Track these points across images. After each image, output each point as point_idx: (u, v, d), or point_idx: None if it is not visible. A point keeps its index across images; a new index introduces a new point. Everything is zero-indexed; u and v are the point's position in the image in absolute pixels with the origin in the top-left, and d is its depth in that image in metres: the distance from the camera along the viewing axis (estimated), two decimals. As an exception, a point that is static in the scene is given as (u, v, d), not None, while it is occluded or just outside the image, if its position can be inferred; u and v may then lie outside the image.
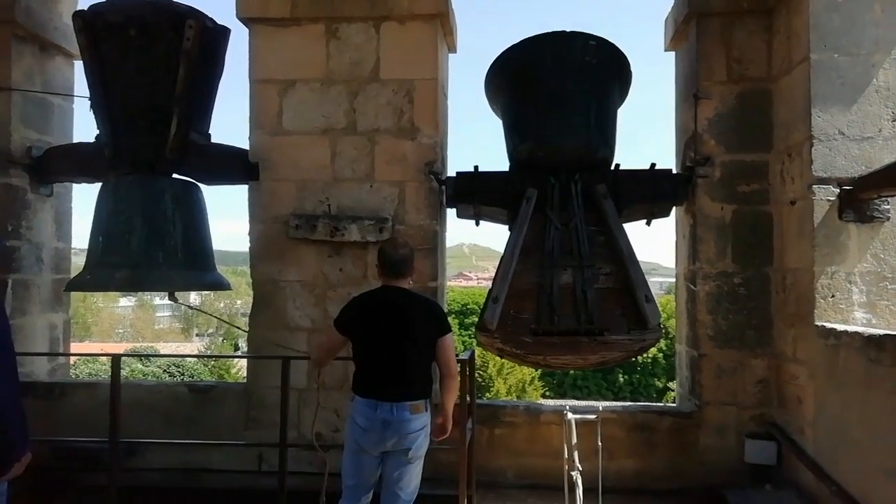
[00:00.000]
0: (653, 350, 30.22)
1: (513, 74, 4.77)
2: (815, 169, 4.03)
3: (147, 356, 20.74)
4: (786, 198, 4.40)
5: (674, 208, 4.97)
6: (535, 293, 4.33)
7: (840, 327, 3.76)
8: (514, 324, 4.26)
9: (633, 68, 4.82)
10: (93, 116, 4.67)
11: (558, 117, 4.54)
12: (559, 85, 4.55)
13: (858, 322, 3.97)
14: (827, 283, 4.01)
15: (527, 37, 4.73)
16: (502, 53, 4.78)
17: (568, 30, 4.67)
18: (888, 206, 3.96)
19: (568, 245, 4.41)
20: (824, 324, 3.92)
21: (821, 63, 4.04)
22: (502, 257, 4.44)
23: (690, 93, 4.73)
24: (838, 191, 4.00)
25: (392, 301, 3.21)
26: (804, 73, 4.10)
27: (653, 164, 4.75)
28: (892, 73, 3.91)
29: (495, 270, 4.53)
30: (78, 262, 5.02)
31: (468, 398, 3.93)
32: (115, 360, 4.15)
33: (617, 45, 4.67)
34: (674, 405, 5.28)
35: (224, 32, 4.80)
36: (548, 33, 4.64)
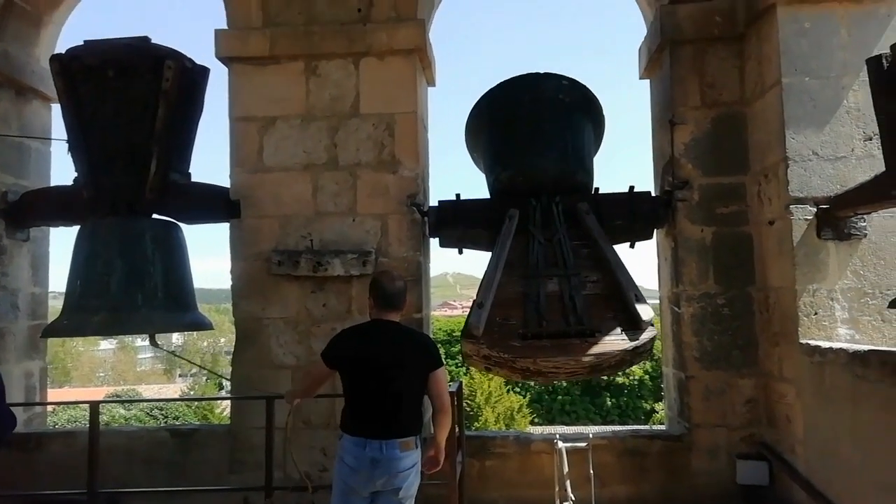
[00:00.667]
0: (638, 371, 30.18)
1: (493, 114, 4.96)
2: (791, 189, 4.10)
3: (128, 401, 20.29)
4: (764, 218, 4.46)
5: (654, 232, 5.03)
6: (521, 302, 4.22)
7: (825, 344, 3.78)
8: (501, 330, 4.08)
9: (603, 107, 5.06)
10: (70, 159, 4.62)
11: (536, 148, 4.72)
12: (536, 120, 4.76)
13: (842, 338, 4.00)
14: (809, 300, 4.04)
15: (505, 79, 4.94)
16: (482, 97, 4.97)
17: (542, 71, 4.90)
18: (865, 223, 4.03)
19: (552, 258, 4.38)
20: (809, 341, 3.95)
21: (792, 86, 4.14)
22: (486, 270, 4.34)
23: (666, 118, 4.81)
24: (815, 210, 4.06)
25: (383, 334, 3.15)
26: (777, 96, 4.19)
27: (631, 187, 4.82)
28: (862, 94, 4.00)
29: (479, 283, 4.40)
30: (56, 307, 4.91)
31: (457, 430, 3.87)
32: (94, 406, 4.05)
33: (587, 85, 4.93)
34: (663, 428, 5.26)
35: (203, 72, 4.81)
36: (524, 75, 4.90)
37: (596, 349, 3.91)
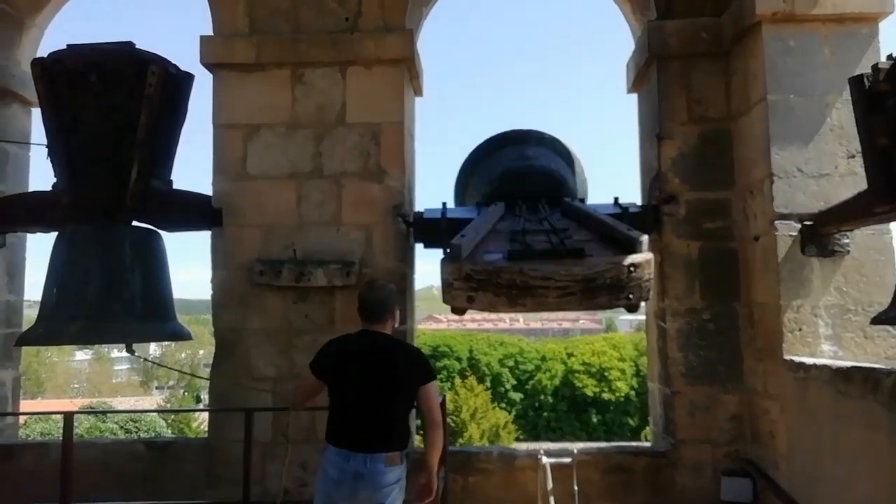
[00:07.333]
0: (625, 388, 30.30)
1: (483, 157, 5.30)
2: (776, 205, 4.11)
3: (103, 412, 19.91)
4: (749, 234, 4.47)
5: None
6: (506, 241, 3.90)
7: (808, 360, 3.78)
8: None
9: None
10: (49, 164, 4.53)
11: (522, 166, 4.98)
12: (522, 156, 5.11)
13: (826, 355, 4.01)
14: (793, 316, 4.05)
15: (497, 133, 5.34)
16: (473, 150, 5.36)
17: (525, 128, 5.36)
18: (848, 240, 4.05)
19: (540, 230, 4.06)
20: (793, 357, 3.95)
21: (777, 103, 4.17)
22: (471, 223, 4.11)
23: (653, 133, 4.84)
24: (800, 226, 4.08)
25: (371, 346, 3.10)
26: (762, 113, 4.22)
27: (616, 199, 4.84)
28: (845, 112, 4.04)
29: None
30: (32, 315, 4.79)
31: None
32: (68, 417, 3.94)
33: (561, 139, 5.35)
34: (648, 444, 5.23)
35: (187, 78, 4.74)
36: (511, 131, 5.35)
37: (588, 262, 3.48)
